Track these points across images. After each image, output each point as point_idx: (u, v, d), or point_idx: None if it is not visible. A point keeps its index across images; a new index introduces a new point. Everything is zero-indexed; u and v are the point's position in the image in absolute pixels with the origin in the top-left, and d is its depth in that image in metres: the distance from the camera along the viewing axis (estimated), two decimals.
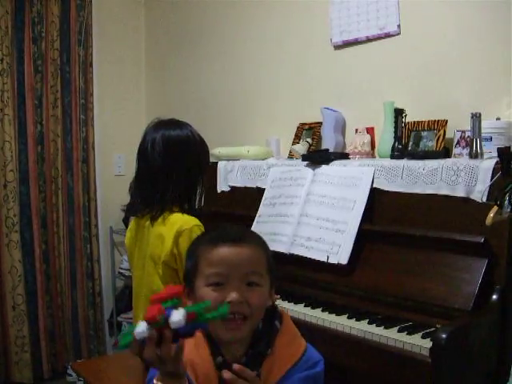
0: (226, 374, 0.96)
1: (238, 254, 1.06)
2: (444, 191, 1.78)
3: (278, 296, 1.88)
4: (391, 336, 1.56)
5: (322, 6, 2.49)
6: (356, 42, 2.39)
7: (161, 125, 1.78)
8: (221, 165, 2.62)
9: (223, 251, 1.07)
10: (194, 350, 1.08)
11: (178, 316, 0.90)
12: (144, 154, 1.76)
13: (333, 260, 1.92)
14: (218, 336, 1.07)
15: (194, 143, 1.78)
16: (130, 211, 1.84)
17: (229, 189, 2.58)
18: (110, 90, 3.57)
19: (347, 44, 2.43)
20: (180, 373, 0.95)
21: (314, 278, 2.01)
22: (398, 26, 2.22)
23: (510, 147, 1.62)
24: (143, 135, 1.79)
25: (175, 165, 1.73)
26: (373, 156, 2.28)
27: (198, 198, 1.82)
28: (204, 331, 1.10)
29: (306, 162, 2.22)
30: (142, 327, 0.89)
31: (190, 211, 1.75)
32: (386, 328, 1.62)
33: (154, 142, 1.73)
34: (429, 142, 2.05)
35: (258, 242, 1.14)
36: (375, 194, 1.96)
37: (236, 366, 0.96)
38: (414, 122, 2.10)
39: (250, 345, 1.10)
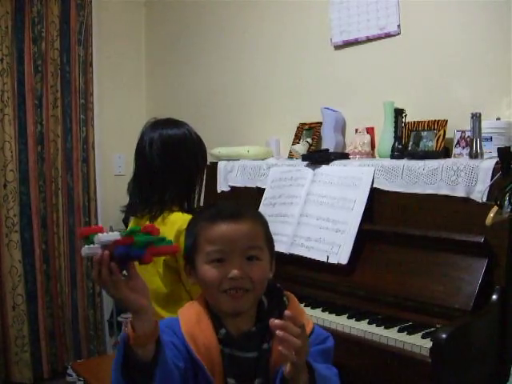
0: (276, 321, 0.93)
1: (237, 229, 1.07)
2: (444, 191, 1.78)
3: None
4: (391, 336, 1.57)
5: (321, 5, 2.49)
6: (356, 42, 2.39)
7: (158, 124, 1.78)
8: (221, 165, 2.62)
9: (222, 228, 1.08)
10: (196, 324, 1.09)
11: (106, 235, 0.92)
12: (142, 153, 1.76)
13: (333, 260, 1.92)
14: (221, 308, 1.08)
15: (191, 142, 1.78)
16: (130, 211, 1.84)
17: (229, 189, 2.58)
18: (110, 89, 3.57)
19: (347, 44, 2.43)
20: (130, 305, 0.93)
21: (314, 278, 2.01)
22: (398, 26, 2.22)
23: (510, 147, 1.62)
24: (140, 135, 1.78)
25: (173, 164, 1.72)
26: (373, 156, 2.28)
27: (196, 197, 1.82)
28: (206, 304, 1.11)
29: (305, 162, 2.22)
30: (85, 246, 0.92)
31: (190, 210, 1.75)
32: (386, 328, 1.62)
33: (151, 141, 1.73)
34: (429, 142, 2.05)
35: (256, 216, 1.15)
36: (375, 194, 1.96)
37: (287, 312, 0.95)
38: (414, 121, 2.10)
39: (255, 320, 1.11)
